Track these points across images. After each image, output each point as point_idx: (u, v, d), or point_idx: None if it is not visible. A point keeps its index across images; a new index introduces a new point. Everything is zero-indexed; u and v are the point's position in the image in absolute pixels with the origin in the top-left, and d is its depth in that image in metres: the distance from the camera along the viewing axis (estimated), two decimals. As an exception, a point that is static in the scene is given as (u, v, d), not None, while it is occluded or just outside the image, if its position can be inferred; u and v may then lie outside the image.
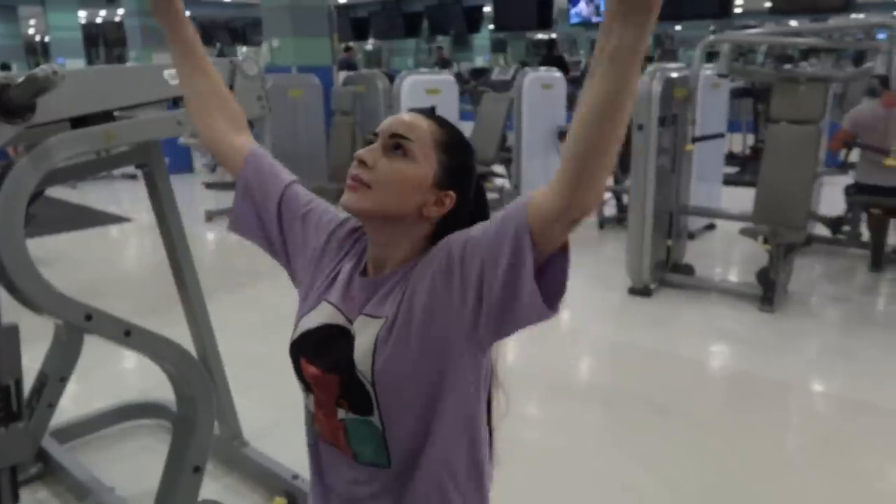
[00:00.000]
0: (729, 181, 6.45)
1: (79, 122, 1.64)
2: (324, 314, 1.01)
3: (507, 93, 6.47)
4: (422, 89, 5.67)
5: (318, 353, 0.99)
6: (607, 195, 6.13)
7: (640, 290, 4.30)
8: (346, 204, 0.96)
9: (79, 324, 1.64)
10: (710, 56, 5.09)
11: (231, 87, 1.84)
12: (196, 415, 1.83)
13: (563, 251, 0.86)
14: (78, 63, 14.45)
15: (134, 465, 2.53)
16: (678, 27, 17.47)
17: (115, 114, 1.75)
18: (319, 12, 7.82)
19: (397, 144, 0.95)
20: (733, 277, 4.96)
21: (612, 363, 3.65)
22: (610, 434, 2.86)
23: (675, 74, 4.20)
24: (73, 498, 2.34)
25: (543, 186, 0.83)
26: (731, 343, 3.79)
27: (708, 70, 4.97)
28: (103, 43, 18.91)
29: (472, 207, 1.04)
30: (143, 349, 1.75)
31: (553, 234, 0.83)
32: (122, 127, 1.68)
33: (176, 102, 1.84)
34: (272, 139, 6.32)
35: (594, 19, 12.88)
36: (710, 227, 5.89)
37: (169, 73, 1.72)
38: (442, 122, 1.00)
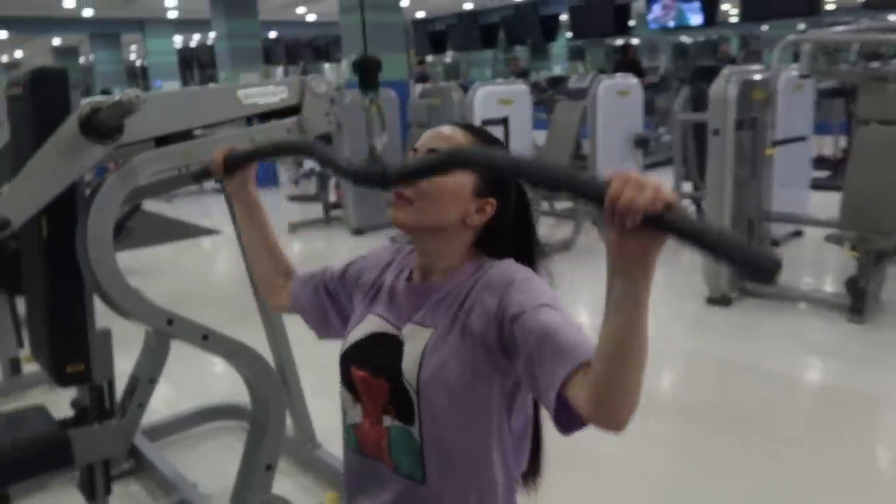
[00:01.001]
0: (818, 186, 6.15)
1: (162, 141, 1.78)
2: (371, 325, 1.06)
3: (581, 101, 6.42)
4: (494, 100, 5.72)
5: (367, 359, 1.03)
6: (686, 202, 5.96)
7: (719, 300, 4.17)
8: (393, 220, 1.00)
9: (161, 328, 1.77)
10: (797, 56, 4.89)
11: (300, 105, 1.93)
12: (268, 416, 1.92)
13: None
14: (173, 84, 15.37)
15: (216, 463, 2.67)
16: (765, 27, 16.78)
17: (195, 132, 1.88)
18: (396, 29, 8.03)
19: None
20: (820, 286, 4.72)
21: (688, 374, 3.55)
22: (684, 447, 2.78)
23: (755, 77, 4.06)
24: (160, 493, 2.50)
25: (585, 381, 0.82)
26: (817, 355, 3.62)
27: (792, 71, 4.77)
28: (197, 65, 20.00)
29: (513, 211, 1.06)
30: (220, 353, 1.86)
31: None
32: (200, 144, 1.80)
33: (250, 120, 1.96)
34: (350, 151, 6.52)
35: (671, 24, 12.56)
36: (797, 233, 5.62)
37: (243, 93, 1.84)
38: (477, 132, 1.03)
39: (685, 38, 19.96)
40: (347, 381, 1.06)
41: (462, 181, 0.99)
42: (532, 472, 1.12)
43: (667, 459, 2.70)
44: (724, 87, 3.84)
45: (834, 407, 3.06)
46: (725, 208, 4.00)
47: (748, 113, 4.01)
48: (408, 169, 0.87)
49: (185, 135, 1.80)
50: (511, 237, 1.06)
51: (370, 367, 1.02)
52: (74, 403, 2.03)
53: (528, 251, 1.08)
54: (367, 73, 1.39)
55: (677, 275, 5.15)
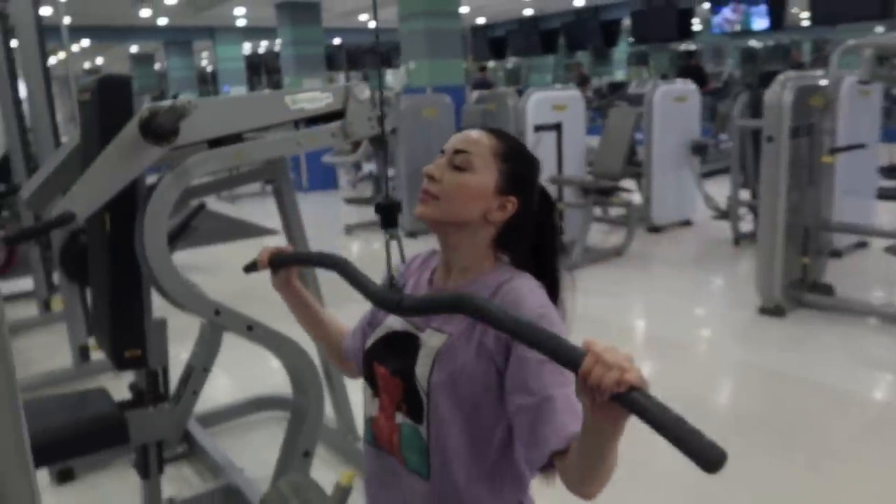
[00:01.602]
0: (887, 195, 5.92)
1: (215, 143, 1.90)
2: (394, 323, 1.12)
3: (635, 107, 6.37)
4: (548, 105, 5.73)
5: (388, 357, 1.09)
6: (743, 210, 5.83)
7: (772, 310, 4.07)
8: (418, 214, 1.07)
9: (209, 318, 1.89)
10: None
11: (344, 110, 2.03)
12: (307, 405, 2.02)
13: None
14: (241, 90, 15.92)
15: (262, 451, 2.79)
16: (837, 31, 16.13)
17: (246, 135, 2.00)
18: (454, 35, 8.13)
19: (460, 158, 1.06)
20: (882, 299, 4.55)
21: (736, 384, 3.49)
22: (733, 459, 2.74)
23: (813, 82, 3.96)
24: (210, 476, 2.64)
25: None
26: (874, 369, 3.49)
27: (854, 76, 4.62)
28: (264, 71, 20.66)
29: (536, 211, 1.11)
30: (263, 342, 1.97)
31: None
32: (249, 147, 1.92)
33: (296, 124, 2.07)
34: (406, 155, 6.65)
35: (728, 29, 12.24)
36: (862, 244, 5.42)
37: (290, 99, 1.95)
38: (502, 135, 1.09)
39: (755, 43, 19.40)
40: (370, 376, 1.13)
41: (485, 179, 1.05)
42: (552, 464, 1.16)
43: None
44: (779, 92, 3.76)
45: (885, 424, 2.96)
46: (780, 216, 3.90)
47: (805, 119, 3.91)
48: (421, 304, 0.98)
49: (236, 137, 1.92)
50: (533, 237, 1.11)
51: (389, 365, 1.08)
52: (132, 387, 2.19)
53: (552, 252, 1.13)
54: (388, 215, 1.47)
55: (731, 283, 5.05)
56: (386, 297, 0.98)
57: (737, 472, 2.61)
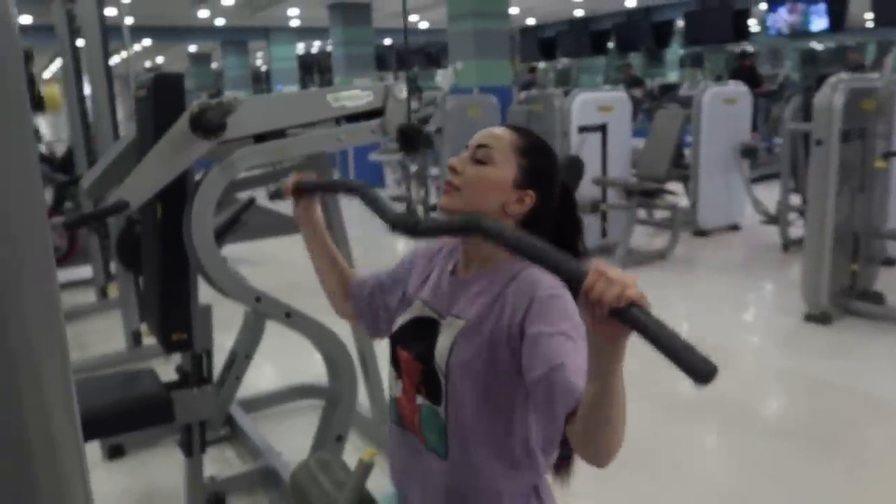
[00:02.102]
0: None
1: (259, 138, 1.99)
2: (416, 309, 1.18)
3: (682, 109, 6.28)
4: (593, 107, 5.71)
5: (410, 341, 1.15)
6: (793, 215, 5.70)
7: (818, 317, 3.98)
8: (441, 205, 1.13)
9: (251, 304, 1.98)
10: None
11: (384, 108, 2.10)
12: (341, 390, 2.10)
13: None
14: (293, 88, 16.26)
15: (300, 436, 2.88)
16: (905, 31, 15.50)
17: (289, 131, 2.09)
18: (502, 36, 8.16)
19: (482, 152, 1.11)
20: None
21: (778, 390, 3.44)
22: (764, 462, 2.72)
23: (868, 85, 3.86)
24: (250, 458, 2.74)
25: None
26: (923, 381, 3.39)
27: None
28: (316, 70, 21.03)
29: (557, 206, 1.15)
30: (301, 329, 2.05)
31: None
32: (291, 142, 2.00)
33: (338, 121, 2.14)
34: (450, 154, 6.71)
35: (785, 30, 11.89)
36: (918, 253, 5.24)
37: (332, 97, 2.02)
38: (522, 131, 1.14)
39: (815, 45, 18.80)
40: (394, 360, 1.19)
41: (504, 172, 1.10)
42: (564, 463, 1.19)
43: (743, 473, 2.65)
44: (830, 95, 3.68)
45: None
46: (828, 222, 3.82)
47: (857, 123, 3.81)
48: (435, 226, 1.03)
49: (280, 133, 2.01)
50: (554, 231, 1.15)
51: (412, 349, 1.14)
52: (178, 368, 2.30)
53: (572, 248, 1.17)
54: (409, 140, 1.52)
55: (778, 290, 4.96)
56: (403, 220, 1.02)
57: (774, 477, 2.58)
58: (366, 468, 1.14)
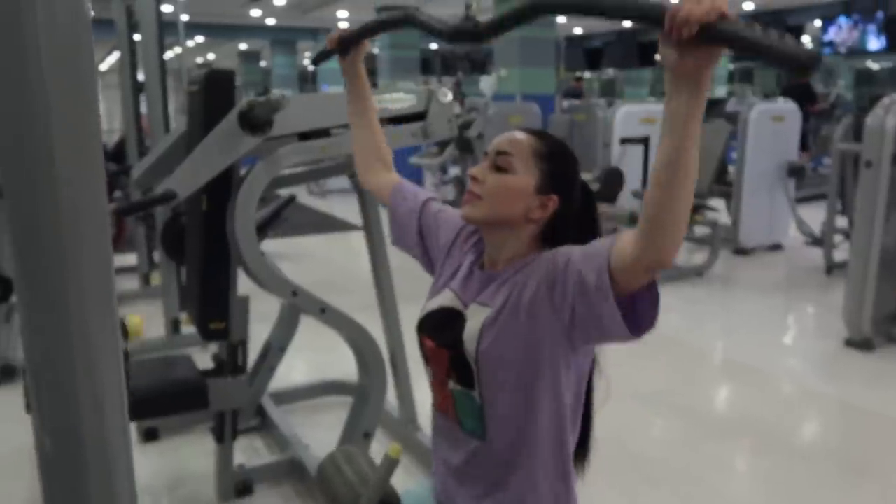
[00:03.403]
0: None
1: (304, 136, 2.04)
2: (445, 299, 1.20)
3: (726, 123, 6.18)
4: (635, 119, 5.68)
5: (435, 330, 1.18)
6: (838, 237, 5.56)
7: (859, 343, 3.88)
8: (464, 214, 1.15)
9: (287, 297, 2.03)
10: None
11: (426, 111, 2.13)
12: (371, 388, 2.13)
13: (650, 290, 0.97)
14: (338, 89, 16.47)
15: (328, 431, 2.92)
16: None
17: (333, 131, 2.13)
18: (547, 44, 8.15)
19: (502, 159, 1.12)
20: None
21: (811, 414, 3.36)
22: (790, 486, 2.67)
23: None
24: (278, 449, 2.79)
25: (632, 232, 0.93)
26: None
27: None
28: (362, 73, 21.17)
29: (579, 210, 1.16)
30: (334, 325, 2.09)
31: (632, 275, 0.94)
32: (334, 142, 2.04)
33: (381, 123, 2.18)
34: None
35: (839, 48, 11.60)
36: (969, 283, 5.06)
37: (375, 99, 2.06)
38: (542, 135, 1.15)
39: (871, 64, 18.32)
40: (421, 347, 1.22)
41: (525, 179, 1.11)
42: (580, 454, 1.21)
43: (774, 497, 2.60)
44: (882, 116, 3.59)
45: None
46: (874, 246, 3.72)
47: (910, 146, 3.71)
48: (496, 21, 0.97)
49: (324, 132, 2.05)
50: (575, 233, 1.15)
51: (436, 338, 1.17)
52: (214, 357, 2.36)
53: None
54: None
55: (819, 313, 4.84)
56: (462, 28, 1.00)
57: (805, 502, 2.53)
58: (391, 464, 1.16)
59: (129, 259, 5.04)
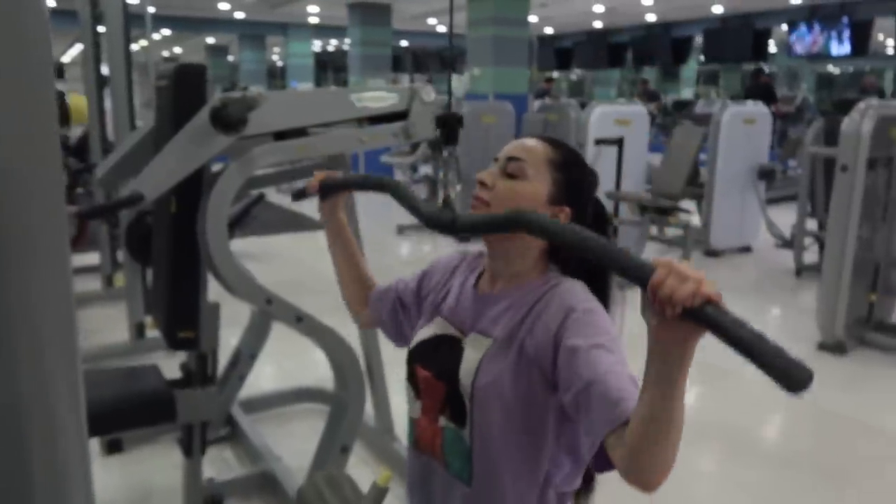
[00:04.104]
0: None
1: (280, 136, 1.94)
2: (437, 326, 1.11)
3: (701, 126, 6.22)
4: (610, 120, 5.66)
5: (431, 360, 1.09)
6: (808, 240, 5.62)
7: (832, 347, 3.91)
8: None
9: (261, 306, 1.93)
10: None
11: (408, 111, 2.04)
12: (349, 401, 2.04)
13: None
14: (307, 86, 16.26)
15: (301, 441, 2.83)
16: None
17: (310, 130, 2.03)
18: (520, 44, 8.12)
19: (513, 165, 1.05)
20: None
21: (787, 420, 3.36)
22: (771, 494, 2.65)
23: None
24: (248, 461, 2.69)
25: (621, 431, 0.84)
26: (938, 419, 3.32)
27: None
28: (331, 68, 21.04)
29: (590, 223, 1.08)
30: (311, 334, 2.00)
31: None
32: (313, 141, 1.95)
33: (359, 122, 2.09)
34: (462, 161, 6.66)
35: (805, 52, 11.82)
36: (935, 286, 5.16)
37: (355, 97, 1.97)
38: (556, 143, 1.08)
39: (832, 68, 18.74)
40: (412, 378, 1.13)
41: (537, 187, 1.04)
42: (586, 489, 1.13)
43: (743, 500, 2.58)
44: (859, 121, 3.62)
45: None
46: (848, 250, 3.75)
47: (885, 151, 3.75)
48: (476, 222, 0.94)
49: (301, 132, 1.96)
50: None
51: (434, 369, 1.08)
52: (183, 367, 2.25)
53: (602, 269, 1.11)
54: (448, 130, 1.47)
55: (790, 316, 4.88)
56: (440, 217, 0.96)
57: (782, 511, 2.51)
58: (379, 492, 1.08)
59: (92, 258, 4.85)
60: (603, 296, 1.07)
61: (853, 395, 3.49)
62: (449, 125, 1.10)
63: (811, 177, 5.43)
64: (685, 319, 0.69)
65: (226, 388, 2.72)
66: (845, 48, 11.32)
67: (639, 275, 0.71)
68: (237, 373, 2.75)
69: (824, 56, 12.08)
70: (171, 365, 2.51)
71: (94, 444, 2.72)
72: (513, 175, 1.05)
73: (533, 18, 10.07)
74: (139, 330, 3.72)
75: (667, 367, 0.76)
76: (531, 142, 1.08)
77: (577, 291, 1.01)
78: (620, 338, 0.99)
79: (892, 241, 4.01)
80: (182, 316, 2.01)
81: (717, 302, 0.68)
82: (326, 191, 1.26)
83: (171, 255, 1.99)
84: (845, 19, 11.27)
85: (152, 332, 3.58)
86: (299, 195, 1.30)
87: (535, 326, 0.99)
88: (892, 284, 4.13)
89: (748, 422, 3.22)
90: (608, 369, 0.89)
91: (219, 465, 2.68)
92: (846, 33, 11.19)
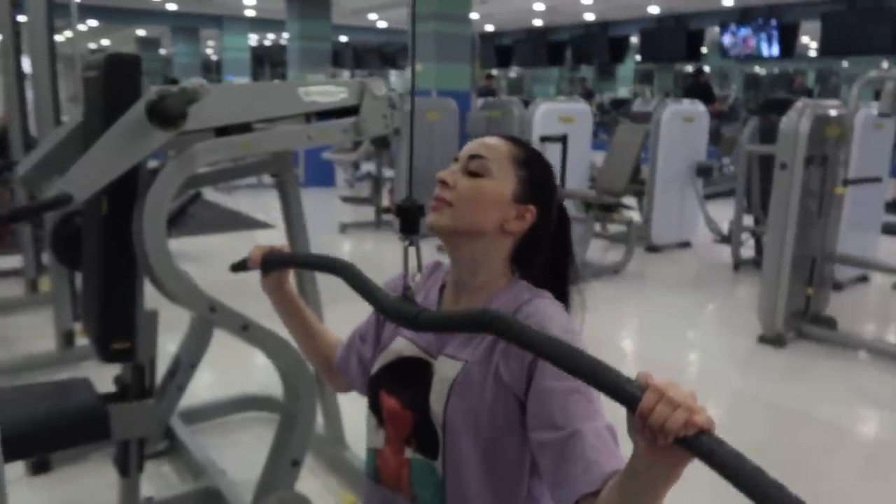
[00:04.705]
0: (891, 231, 5.89)
1: (222, 131, 1.82)
2: (400, 348, 1.04)
3: (643, 124, 6.32)
4: (555, 117, 5.68)
5: (398, 386, 1.01)
6: (745, 235, 5.79)
7: (772, 340, 4.01)
8: (430, 222, 0.99)
9: (204, 314, 1.80)
10: (879, 94, 4.70)
11: (359, 106, 1.95)
12: (299, 411, 1.93)
13: None
14: (244, 80, 15.83)
15: (246, 452, 2.70)
16: (844, 63, 16.23)
17: (255, 126, 1.92)
18: (463, 40, 8.07)
19: (476, 163, 0.99)
20: (883, 336, 4.50)
21: (732, 413, 3.42)
22: (722, 491, 2.68)
23: (830, 112, 3.92)
24: (190, 476, 2.54)
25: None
26: (874, 407, 3.44)
27: (872, 109, 4.59)
28: (269, 63, 20.57)
29: (553, 228, 1.04)
30: (258, 344, 1.88)
31: None
32: (258, 137, 1.83)
33: (308, 117, 1.98)
34: (405, 156, 6.57)
35: (746, 53, 12.25)
36: (863, 279, 5.38)
37: (303, 91, 1.87)
38: (518, 141, 1.03)
39: (759, 69, 19.47)
40: (374, 406, 1.05)
41: (501, 185, 0.98)
42: None
43: (700, 500, 2.60)
44: (797, 120, 3.71)
45: (886, 464, 2.90)
46: (787, 245, 3.85)
47: (820, 149, 3.86)
48: (440, 321, 0.87)
49: (245, 127, 1.84)
50: (549, 254, 1.04)
51: (401, 396, 1.00)
52: (117, 380, 2.09)
53: (564, 271, 1.06)
54: (408, 219, 1.37)
55: (730, 309, 5.00)
56: (401, 310, 0.87)
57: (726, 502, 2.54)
58: (343, 519, 0.99)
59: (14, 261, 4.56)
60: (564, 300, 1.03)
61: (793, 387, 3.58)
62: (409, 216, 0.99)
63: (748, 174, 5.58)
64: (675, 447, 0.66)
65: (164, 400, 2.57)
66: (775, 50, 11.76)
67: (627, 398, 0.67)
68: (176, 383, 2.61)
69: (755, 57, 12.51)
70: (104, 376, 2.33)
71: (19, 465, 2.52)
72: (476, 173, 0.98)
73: (474, 16, 10.04)
74: (68, 338, 3.49)
75: (651, 484, 0.73)
76: (493, 140, 1.02)
77: (552, 313, 0.95)
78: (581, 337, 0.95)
79: (827, 237, 4.14)
80: (116, 326, 1.86)
81: (710, 431, 0.65)
82: (269, 266, 1.17)
83: (103, 261, 1.84)
84: (774, 22, 11.71)
85: (83, 341, 3.37)
86: (239, 267, 1.20)
87: (509, 353, 0.92)
88: (826, 278, 4.27)
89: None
90: (584, 424, 0.84)
91: (157, 481, 2.52)
92: (775, 35, 11.63)
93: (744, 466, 0.61)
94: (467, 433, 0.93)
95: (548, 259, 1.04)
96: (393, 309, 0.88)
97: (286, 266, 1.18)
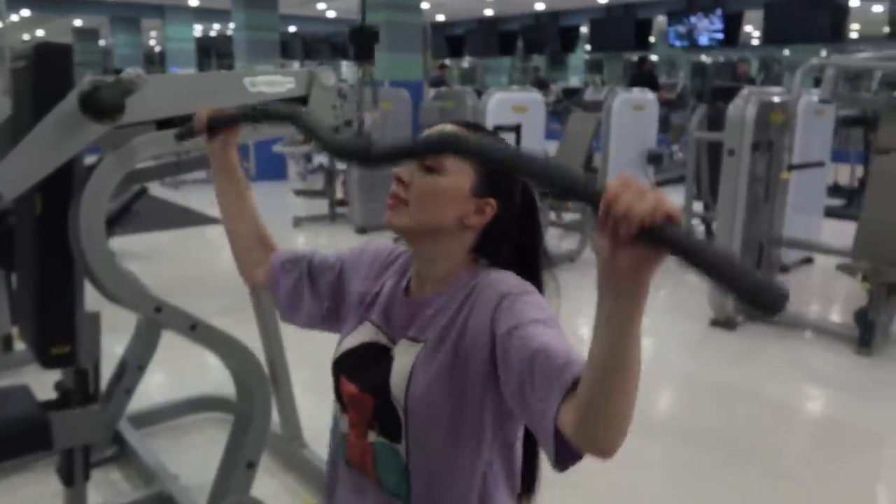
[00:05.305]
0: (832, 214, 6.08)
1: (164, 124, 1.73)
2: (365, 333, 1.02)
3: (595, 113, 6.38)
4: (508, 106, 5.67)
5: (357, 372, 1.00)
6: (695, 221, 5.90)
7: (723, 323, 4.10)
8: (388, 222, 0.97)
9: (149, 315, 1.73)
10: (819, 82, 4.84)
11: (307, 97, 1.89)
12: (253, 412, 1.88)
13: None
14: (189, 72, 15.40)
15: (200, 455, 2.62)
16: (786, 51, 16.69)
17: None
18: (414, 30, 8.00)
19: (431, 158, 0.95)
20: (828, 316, 4.65)
21: (687, 397, 3.49)
22: (677, 471, 2.72)
23: (774, 99, 4.01)
24: (140, 482, 2.45)
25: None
26: (822, 386, 3.55)
27: (813, 96, 4.72)
28: (215, 54, 20.06)
29: (519, 214, 1.01)
30: (207, 344, 1.81)
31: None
32: (202, 130, 1.75)
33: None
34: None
35: (692, 42, 12.49)
36: (808, 260, 5.55)
37: (249, 81, 1.80)
38: (475, 128, 0.99)
39: (704, 58, 19.90)
40: (338, 391, 1.03)
41: (459, 181, 0.95)
42: (527, 489, 1.08)
43: (659, 483, 2.63)
44: (743, 107, 3.78)
45: (835, 441, 2.99)
46: (736, 230, 3.93)
47: (765, 135, 3.95)
48: (394, 149, 0.81)
49: (188, 119, 1.75)
50: (516, 240, 1.02)
51: (360, 382, 0.99)
52: (58, 385, 1.99)
53: (534, 256, 1.04)
54: (362, 44, 1.32)
55: (681, 294, 5.08)
56: (352, 147, 0.83)
57: (690, 486, 2.58)
58: (301, 523, 0.96)
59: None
60: (536, 283, 1.00)
61: (744, 368, 3.67)
62: (362, 36, 0.95)
63: (697, 161, 5.68)
64: (642, 241, 0.60)
65: (111, 404, 2.48)
66: (720, 38, 12.01)
67: (591, 192, 0.62)
68: (124, 386, 2.51)
69: (701, 46, 12.76)
70: (44, 381, 2.22)
71: (-45, 478, 2.39)
72: (431, 168, 0.95)
73: (425, 5, 9.96)
74: (5, 343, 3.32)
75: (619, 305, 0.67)
76: (450, 129, 0.97)
77: (506, 279, 0.94)
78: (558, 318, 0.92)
79: (774, 221, 4.25)
80: (54, 329, 1.77)
81: (678, 221, 0.59)
82: (216, 126, 1.11)
83: (39, 262, 1.74)
84: (719, 11, 11.95)
85: (21, 345, 3.22)
86: (185, 134, 1.13)
87: (467, 322, 0.92)
88: (773, 261, 4.38)
89: (650, 399, 3.31)
90: (548, 344, 0.81)
91: (106, 489, 2.43)
92: (719, 24, 11.88)
93: (712, 253, 0.56)
94: (430, 414, 0.92)
95: (516, 248, 1.01)
96: (345, 147, 0.84)
97: (233, 122, 1.12)
